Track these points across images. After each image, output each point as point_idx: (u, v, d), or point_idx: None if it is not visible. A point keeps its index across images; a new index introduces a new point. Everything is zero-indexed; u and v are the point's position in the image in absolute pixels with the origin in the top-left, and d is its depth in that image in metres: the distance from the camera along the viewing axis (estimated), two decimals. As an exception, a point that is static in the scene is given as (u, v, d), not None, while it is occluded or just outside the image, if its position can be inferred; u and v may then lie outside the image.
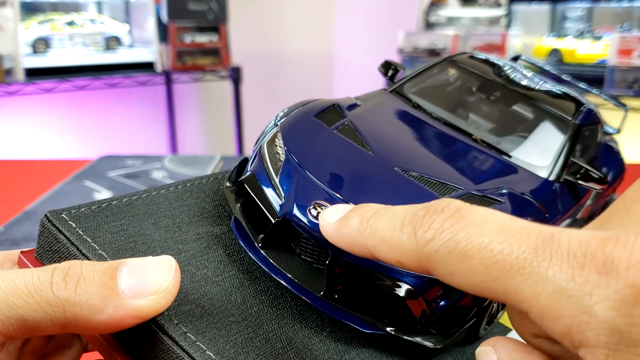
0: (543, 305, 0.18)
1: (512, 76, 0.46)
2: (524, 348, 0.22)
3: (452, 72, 0.47)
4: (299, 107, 0.39)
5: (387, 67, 0.48)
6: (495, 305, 0.34)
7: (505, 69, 0.47)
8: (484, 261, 0.19)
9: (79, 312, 0.25)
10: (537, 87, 0.45)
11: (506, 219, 0.20)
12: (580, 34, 2.34)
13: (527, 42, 2.46)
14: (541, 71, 0.54)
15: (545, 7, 2.47)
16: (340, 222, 0.25)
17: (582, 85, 0.59)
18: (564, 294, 0.18)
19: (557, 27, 2.49)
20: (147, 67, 2.44)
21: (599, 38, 2.27)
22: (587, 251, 0.18)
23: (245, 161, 0.38)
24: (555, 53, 2.36)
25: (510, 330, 0.37)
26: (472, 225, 0.20)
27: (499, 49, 2.29)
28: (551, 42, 2.40)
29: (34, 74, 2.17)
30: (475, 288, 0.20)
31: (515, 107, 0.44)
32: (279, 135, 0.36)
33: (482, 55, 0.49)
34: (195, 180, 0.39)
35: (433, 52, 2.40)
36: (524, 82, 0.45)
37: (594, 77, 2.10)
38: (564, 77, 0.58)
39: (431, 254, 0.21)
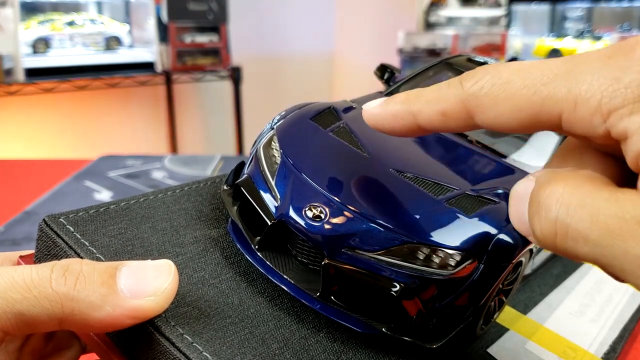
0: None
1: None
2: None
3: (448, 74, 0.47)
4: (295, 110, 0.39)
5: (383, 71, 0.48)
6: (492, 304, 0.35)
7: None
8: (525, 82, 0.21)
9: (77, 308, 0.25)
10: None
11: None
12: (580, 34, 2.35)
13: (527, 42, 2.46)
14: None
15: (545, 7, 2.47)
16: (387, 99, 0.27)
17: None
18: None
19: (557, 27, 2.49)
20: (147, 67, 2.44)
21: (598, 38, 2.27)
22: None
23: (242, 164, 0.38)
24: (555, 53, 2.36)
25: (507, 330, 0.37)
26: (511, 64, 0.23)
27: (499, 49, 2.29)
28: (551, 42, 2.40)
29: (34, 74, 2.17)
30: (522, 113, 0.22)
31: None
32: (275, 138, 0.36)
33: (478, 58, 0.49)
34: (193, 184, 0.40)
35: (433, 52, 2.40)
36: None
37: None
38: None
39: (475, 91, 0.23)
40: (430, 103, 0.24)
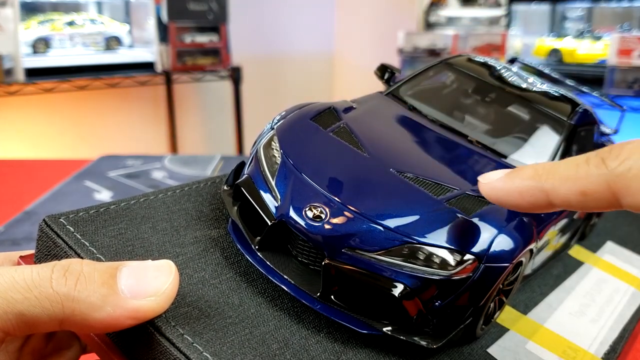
0: None
1: (508, 78, 0.46)
2: None
3: (449, 74, 0.47)
4: (295, 110, 0.39)
5: (383, 71, 0.49)
6: (491, 305, 0.35)
7: (502, 71, 0.47)
8: None
9: (78, 309, 0.25)
10: (533, 89, 0.45)
11: None
12: (580, 34, 2.35)
13: (527, 42, 2.46)
14: (538, 73, 0.54)
15: (545, 7, 2.47)
16: (511, 173, 0.25)
17: (583, 87, 0.59)
18: None
19: (557, 27, 2.49)
20: (147, 67, 2.44)
21: (598, 38, 2.27)
22: None
23: (242, 165, 0.38)
24: (555, 53, 2.36)
25: (507, 330, 0.37)
26: None
27: (499, 49, 2.29)
28: (551, 42, 2.40)
29: (34, 74, 2.17)
30: None
31: (511, 109, 0.44)
32: (275, 138, 0.36)
33: (478, 58, 0.49)
34: (193, 185, 0.40)
35: (433, 52, 2.40)
36: (520, 84, 0.46)
37: (594, 77, 2.10)
38: (560, 77, 0.59)
39: (623, 172, 0.21)
40: (567, 181, 0.23)
